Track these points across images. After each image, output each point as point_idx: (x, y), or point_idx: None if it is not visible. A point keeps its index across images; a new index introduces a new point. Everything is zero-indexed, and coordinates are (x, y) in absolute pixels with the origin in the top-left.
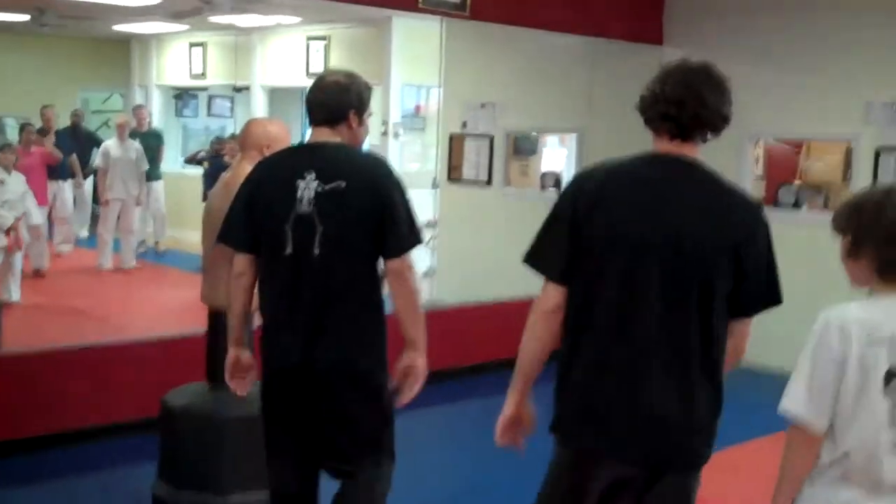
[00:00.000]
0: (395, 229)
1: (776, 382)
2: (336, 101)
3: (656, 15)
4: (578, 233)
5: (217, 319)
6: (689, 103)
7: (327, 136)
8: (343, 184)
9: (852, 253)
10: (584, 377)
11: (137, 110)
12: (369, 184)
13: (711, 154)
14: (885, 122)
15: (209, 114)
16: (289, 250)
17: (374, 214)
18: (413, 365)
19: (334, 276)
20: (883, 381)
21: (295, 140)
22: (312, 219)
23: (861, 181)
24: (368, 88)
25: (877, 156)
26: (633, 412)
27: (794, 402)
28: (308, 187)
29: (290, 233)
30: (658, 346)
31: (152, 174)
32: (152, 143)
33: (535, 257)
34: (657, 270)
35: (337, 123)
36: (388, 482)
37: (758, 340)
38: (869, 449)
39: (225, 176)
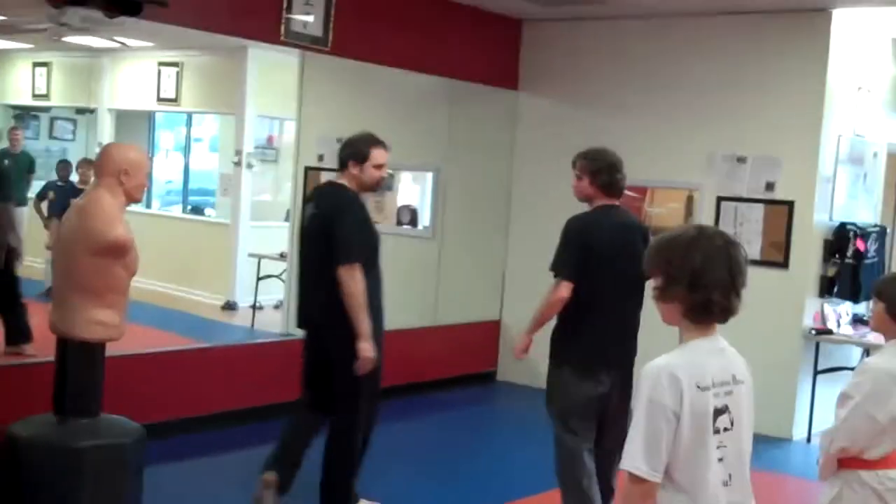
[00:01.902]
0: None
1: None
2: (341, 153)
3: (513, 61)
4: (585, 250)
5: (66, 348)
6: (622, 177)
7: (337, 177)
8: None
9: (661, 295)
10: (592, 334)
11: (12, 131)
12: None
13: (570, 197)
14: (725, 173)
15: (51, 136)
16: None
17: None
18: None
19: None
20: (712, 421)
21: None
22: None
23: None
24: (367, 142)
25: (718, 203)
26: (617, 350)
27: (633, 458)
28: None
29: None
30: (625, 316)
31: (20, 199)
32: (23, 167)
33: (558, 266)
34: (624, 271)
35: (342, 169)
36: None
37: None
38: (706, 487)
39: (79, 202)
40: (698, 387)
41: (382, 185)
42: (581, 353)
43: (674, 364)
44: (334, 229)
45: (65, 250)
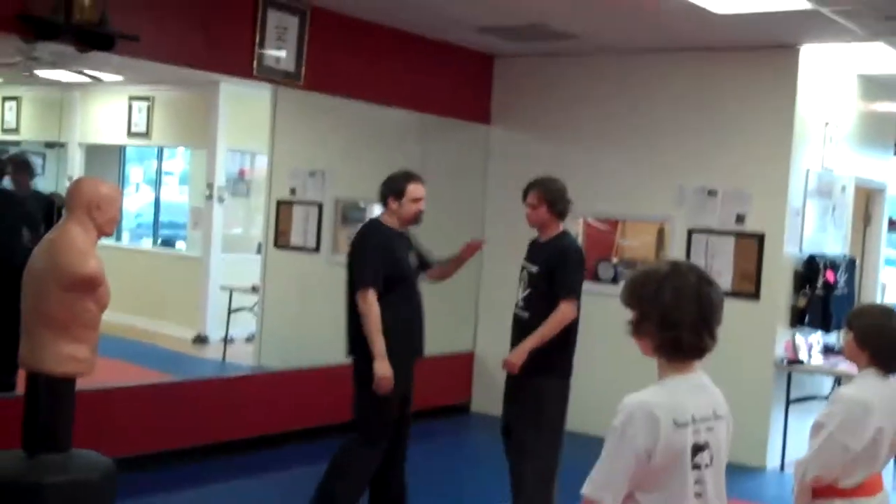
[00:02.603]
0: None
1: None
2: (381, 191)
3: (484, 96)
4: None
5: (36, 383)
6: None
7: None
8: None
9: (634, 330)
10: (574, 344)
11: None
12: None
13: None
14: (695, 206)
15: None
16: None
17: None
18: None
19: None
20: (690, 456)
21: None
22: None
23: (677, 258)
24: (404, 178)
25: (689, 236)
26: None
27: (593, 486)
28: None
29: None
30: None
31: None
32: None
33: (574, 289)
34: None
35: (383, 204)
36: None
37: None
38: None
39: (49, 236)
40: (675, 423)
41: (420, 219)
42: (569, 362)
43: (650, 402)
44: (353, 258)
45: (35, 284)
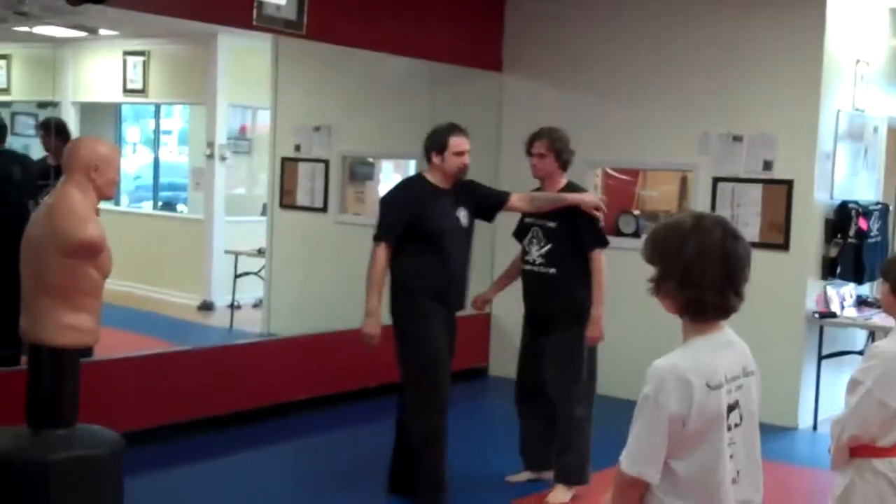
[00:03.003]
0: None
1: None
2: (424, 147)
3: (496, 42)
4: None
5: (38, 356)
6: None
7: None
8: None
9: (655, 289)
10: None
11: None
12: None
13: None
14: (720, 153)
15: (12, 132)
16: None
17: None
18: None
19: None
20: (725, 418)
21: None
22: None
23: (701, 208)
24: (445, 131)
25: (714, 185)
26: None
27: (632, 461)
28: None
29: None
30: None
31: None
32: None
33: (606, 240)
34: None
35: (428, 161)
36: None
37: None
38: (715, 487)
39: (47, 201)
40: (709, 386)
41: (466, 172)
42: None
43: (681, 366)
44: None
45: (33, 252)
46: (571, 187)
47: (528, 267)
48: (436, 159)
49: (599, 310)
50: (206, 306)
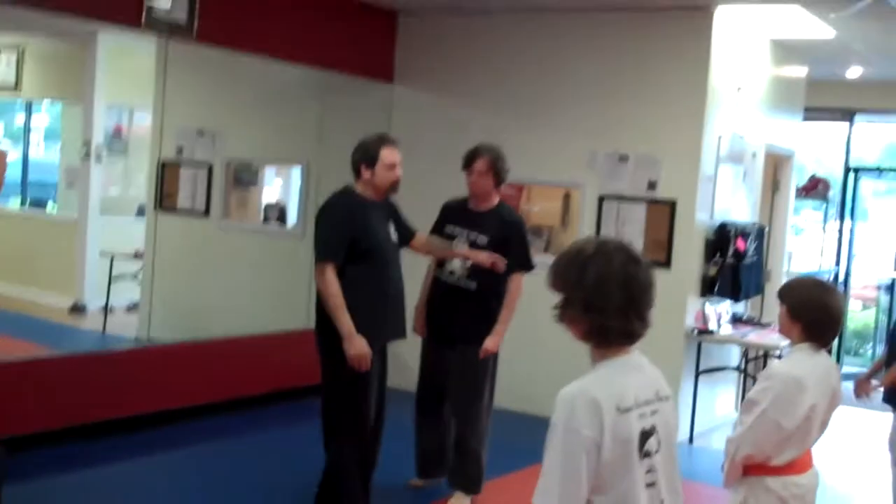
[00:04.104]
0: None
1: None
2: (352, 159)
3: (388, 53)
4: None
5: None
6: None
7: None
8: None
9: (560, 315)
10: None
11: None
12: None
13: (448, 191)
14: (606, 171)
15: None
16: None
17: None
18: None
19: None
20: (638, 445)
21: None
22: None
23: (586, 225)
24: (376, 143)
25: (600, 202)
26: None
27: (547, 496)
28: None
29: None
30: None
31: None
32: None
33: (531, 266)
34: None
35: (356, 175)
36: None
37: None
38: None
39: None
40: (618, 409)
41: (397, 187)
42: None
43: (589, 389)
44: (315, 229)
45: None
46: (504, 208)
47: (445, 278)
48: (366, 173)
49: (503, 327)
50: (78, 308)
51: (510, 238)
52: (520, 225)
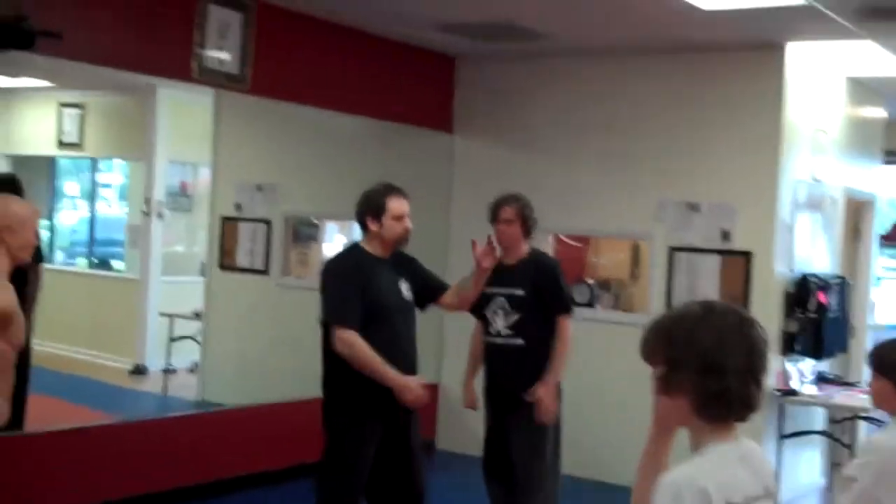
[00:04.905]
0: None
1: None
2: (356, 212)
3: (446, 101)
4: None
5: None
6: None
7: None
8: None
9: (664, 387)
10: None
11: None
12: None
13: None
14: (676, 221)
15: None
16: None
17: None
18: None
19: None
20: None
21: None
22: None
23: (657, 279)
24: (381, 193)
25: (671, 254)
26: None
27: None
28: None
29: None
30: None
31: None
32: None
33: (572, 307)
34: None
35: (363, 229)
36: None
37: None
38: None
39: None
40: None
41: (407, 240)
42: None
43: (698, 476)
44: (324, 291)
45: None
46: (536, 255)
47: (491, 339)
48: (373, 225)
49: (554, 377)
50: (139, 370)
51: (547, 283)
52: (554, 268)
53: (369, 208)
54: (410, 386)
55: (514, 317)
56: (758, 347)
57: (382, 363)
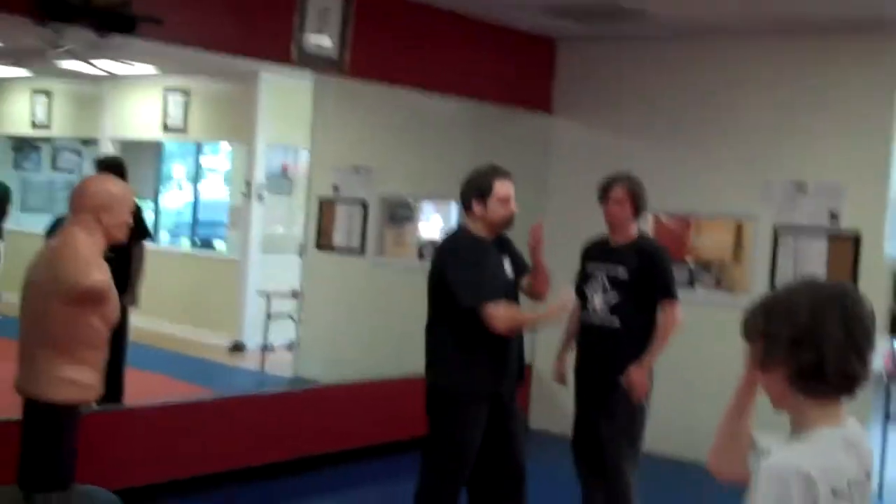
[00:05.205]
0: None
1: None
2: (462, 194)
3: (545, 83)
4: None
5: (35, 413)
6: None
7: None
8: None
9: (762, 363)
10: None
11: None
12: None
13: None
14: (782, 201)
15: (54, 167)
16: None
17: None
18: None
19: None
20: None
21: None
22: None
23: (761, 260)
24: (488, 175)
25: (775, 234)
26: None
27: None
28: None
29: None
30: None
31: None
32: None
33: (677, 294)
34: None
35: (467, 211)
36: None
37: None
38: None
39: (51, 243)
40: (834, 493)
41: (512, 223)
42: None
43: (802, 463)
44: (446, 277)
45: (33, 298)
46: (644, 238)
47: (587, 317)
48: (477, 208)
49: (650, 359)
50: (238, 347)
51: (653, 267)
52: (661, 253)
53: (475, 190)
54: (566, 306)
55: (614, 297)
56: (861, 321)
57: (535, 313)
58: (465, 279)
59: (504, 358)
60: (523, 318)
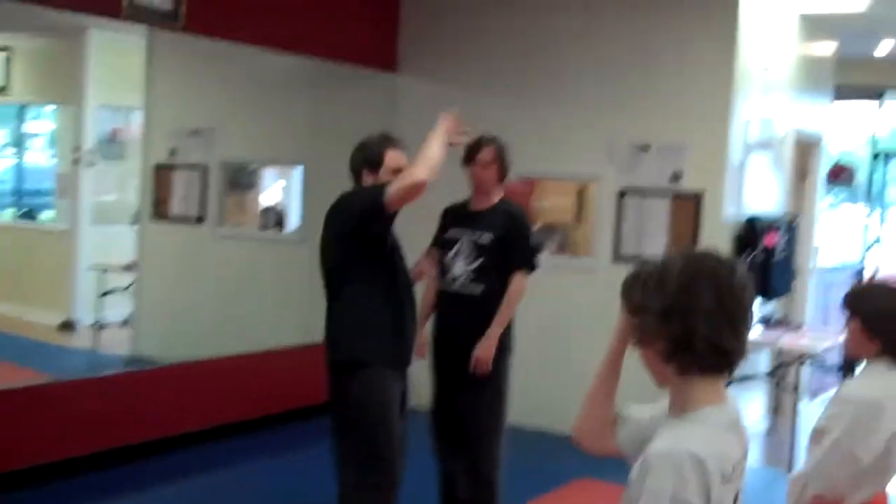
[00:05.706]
0: None
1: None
2: (351, 162)
3: (390, 40)
4: None
5: None
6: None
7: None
8: None
9: (638, 339)
10: None
11: None
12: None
13: (459, 191)
14: (626, 163)
15: None
16: None
17: None
18: None
19: None
20: None
21: None
22: None
23: (604, 222)
24: (379, 144)
25: (620, 196)
26: None
27: None
28: None
29: None
30: None
31: None
32: None
33: (534, 263)
34: None
35: (356, 179)
36: None
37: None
38: None
39: None
40: (723, 477)
41: None
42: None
43: (694, 447)
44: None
45: None
46: (507, 203)
47: (447, 287)
48: (368, 178)
49: (496, 331)
50: (68, 325)
51: (514, 233)
52: (523, 219)
53: (366, 161)
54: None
55: (478, 262)
56: (735, 294)
57: (434, 137)
58: (365, 195)
59: (409, 328)
60: (427, 151)
